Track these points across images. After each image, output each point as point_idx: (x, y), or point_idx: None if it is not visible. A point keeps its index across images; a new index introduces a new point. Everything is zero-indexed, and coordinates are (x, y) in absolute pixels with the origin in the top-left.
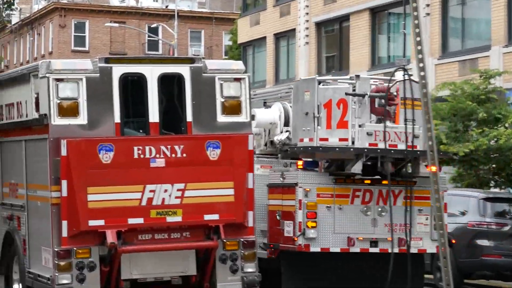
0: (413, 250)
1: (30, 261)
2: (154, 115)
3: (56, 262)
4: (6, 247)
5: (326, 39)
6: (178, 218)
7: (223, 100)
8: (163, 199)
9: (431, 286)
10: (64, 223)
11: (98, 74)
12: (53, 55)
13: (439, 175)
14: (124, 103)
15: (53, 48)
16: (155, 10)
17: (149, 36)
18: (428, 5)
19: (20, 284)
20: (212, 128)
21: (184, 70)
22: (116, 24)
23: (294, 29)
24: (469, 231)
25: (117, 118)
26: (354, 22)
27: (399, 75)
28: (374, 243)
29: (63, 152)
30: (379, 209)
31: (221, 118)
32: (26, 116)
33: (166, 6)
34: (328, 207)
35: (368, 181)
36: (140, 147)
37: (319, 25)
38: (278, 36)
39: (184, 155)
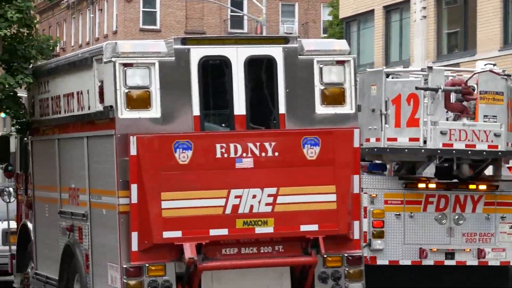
0: (495, 262)
1: (93, 280)
2: (240, 106)
3: (125, 281)
4: (66, 263)
5: (447, 12)
6: (269, 229)
7: (323, 87)
8: (251, 206)
9: None
10: (134, 235)
11: (174, 58)
12: (117, 35)
13: None
14: (204, 92)
15: (117, 26)
16: None
17: (232, 11)
18: None
19: None
20: (310, 121)
21: (276, 52)
22: None
23: (408, 0)
24: None
25: (196, 111)
26: None
27: (479, 66)
28: (450, 254)
29: (133, 151)
30: (456, 217)
31: (321, 109)
32: (88, 108)
33: None
34: (397, 215)
35: (443, 186)
36: (224, 145)
37: None
38: (388, 9)
39: (276, 153)
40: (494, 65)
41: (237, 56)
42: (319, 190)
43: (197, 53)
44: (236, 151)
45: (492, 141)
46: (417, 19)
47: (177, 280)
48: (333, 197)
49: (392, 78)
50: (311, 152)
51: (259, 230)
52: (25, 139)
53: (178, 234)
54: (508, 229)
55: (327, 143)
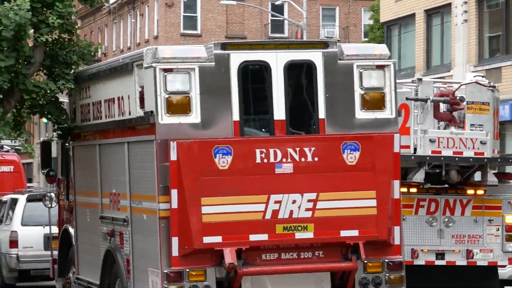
0: (483, 262)
1: (134, 285)
2: (279, 111)
3: (166, 286)
4: (107, 268)
5: (489, 16)
6: (309, 234)
7: (363, 92)
8: (291, 211)
9: None
10: (175, 240)
11: (214, 63)
12: (158, 40)
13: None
14: (244, 97)
15: (158, 31)
16: None
17: (272, 16)
18: None
19: None
20: (350, 126)
21: (315, 57)
22: (234, 2)
23: (449, 4)
24: None
25: (235, 116)
26: None
27: (468, 77)
28: (440, 255)
29: (173, 156)
30: (446, 220)
31: (361, 114)
32: (129, 113)
33: None
34: None
35: (434, 191)
36: (264, 150)
37: None
38: (430, 13)
39: (316, 159)
40: (483, 76)
41: (277, 61)
42: (359, 196)
43: (237, 58)
44: (275, 156)
45: (478, 149)
46: (459, 22)
47: (217, 285)
48: (373, 202)
49: None
50: (351, 157)
51: (299, 235)
52: (67, 144)
53: (218, 239)
54: (495, 231)
55: (367, 148)
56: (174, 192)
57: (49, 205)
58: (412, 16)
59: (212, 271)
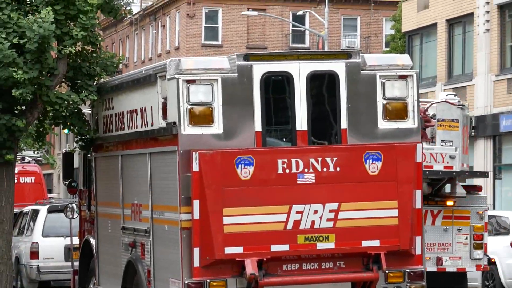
0: (452, 268)
1: None
2: (302, 122)
3: None
4: (128, 279)
5: (511, 25)
6: (330, 245)
7: (385, 102)
8: (313, 222)
9: None
10: (196, 251)
11: (236, 74)
12: (180, 50)
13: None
14: (266, 107)
15: (180, 42)
16: None
17: (293, 26)
18: None
19: None
20: (372, 136)
21: (338, 67)
22: (255, 13)
23: (471, 14)
24: None
25: (258, 126)
26: None
27: (440, 96)
28: None
29: (195, 167)
30: None
31: (383, 124)
32: (152, 124)
33: None
34: None
35: None
36: (285, 160)
37: (502, 7)
38: (451, 22)
39: (338, 169)
40: (455, 95)
41: (299, 72)
42: (381, 206)
43: (259, 69)
44: (297, 167)
45: (447, 163)
46: (480, 32)
47: None
48: (395, 213)
49: None
50: (373, 167)
51: (320, 245)
52: (88, 155)
53: (239, 250)
54: (464, 240)
55: (390, 158)
56: (196, 203)
57: (71, 216)
58: (434, 25)
59: (233, 282)
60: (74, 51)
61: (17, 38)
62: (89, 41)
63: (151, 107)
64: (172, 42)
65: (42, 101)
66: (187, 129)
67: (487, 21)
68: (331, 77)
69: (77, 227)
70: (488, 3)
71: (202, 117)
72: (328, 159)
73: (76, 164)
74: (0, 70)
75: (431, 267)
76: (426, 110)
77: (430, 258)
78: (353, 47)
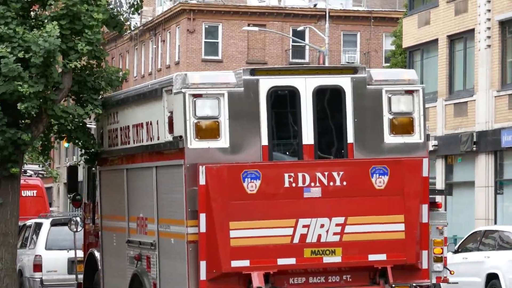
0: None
1: None
2: (308, 136)
3: None
4: None
5: None
6: (337, 259)
7: (391, 116)
8: (319, 235)
9: None
10: (203, 264)
11: (243, 89)
12: (180, 65)
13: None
14: (272, 121)
15: (180, 57)
16: (301, 10)
17: (293, 41)
18: None
19: None
20: (378, 150)
21: (344, 82)
22: (255, 28)
23: (472, 30)
24: None
25: (264, 140)
26: None
27: None
28: None
29: (202, 180)
30: None
31: (389, 139)
32: (158, 138)
33: (315, 5)
34: None
35: None
36: (292, 174)
37: (503, 24)
38: (452, 38)
39: (344, 183)
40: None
41: (306, 86)
42: (388, 220)
43: (266, 83)
44: (304, 181)
45: None
46: (482, 48)
47: None
48: (401, 227)
49: None
50: (380, 182)
51: (327, 259)
52: (93, 169)
53: (246, 263)
54: None
55: (396, 172)
56: (202, 216)
57: (75, 230)
58: (435, 41)
59: None
60: (79, 65)
61: (23, 52)
62: (94, 55)
63: (157, 121)
64: (172, 57)
65: (47, 115)
66: (193, 143)
67: (488, 37)
68: (337, 92)
69: (80, 240)
70: (489, 19)
71: (208, 131)
72: (335, 173)
73: (80, 177)
74: (6, 84)
75: None
76: None
77: None
78: (352, 62)
